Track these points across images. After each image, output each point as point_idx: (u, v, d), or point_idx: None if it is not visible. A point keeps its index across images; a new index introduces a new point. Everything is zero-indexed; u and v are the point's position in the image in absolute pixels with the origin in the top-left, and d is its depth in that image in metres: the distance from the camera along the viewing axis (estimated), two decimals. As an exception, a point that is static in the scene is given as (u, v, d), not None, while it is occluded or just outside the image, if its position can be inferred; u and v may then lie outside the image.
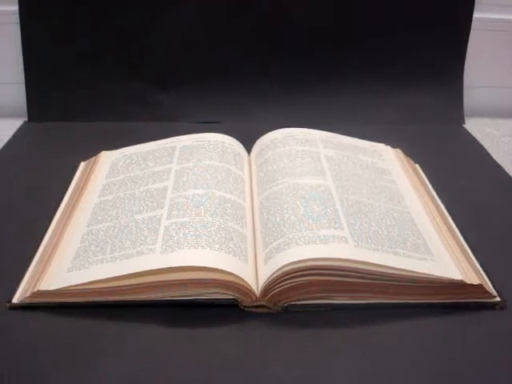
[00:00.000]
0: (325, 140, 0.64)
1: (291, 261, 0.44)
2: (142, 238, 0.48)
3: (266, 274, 0.45)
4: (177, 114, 0.79)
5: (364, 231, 0.48)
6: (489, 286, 0.47)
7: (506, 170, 0.68)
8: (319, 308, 0.46)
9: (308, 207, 0.50)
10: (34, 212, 0.57)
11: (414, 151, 0.67)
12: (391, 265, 0.45)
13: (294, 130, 0.65)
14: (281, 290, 0.45)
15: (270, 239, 0.48)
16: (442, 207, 0.57)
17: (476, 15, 0.79)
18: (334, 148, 0.62)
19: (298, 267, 0.44)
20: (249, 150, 0.65)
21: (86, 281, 0.45)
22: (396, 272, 0.45)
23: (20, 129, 0.76)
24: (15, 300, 0.46)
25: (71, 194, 0.59)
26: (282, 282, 0.44)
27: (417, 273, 0.45)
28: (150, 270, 0.44)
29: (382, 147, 0.67)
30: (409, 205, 0.55)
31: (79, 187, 0.59)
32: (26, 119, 0.78)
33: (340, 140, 0.65)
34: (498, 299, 0.46)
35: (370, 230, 0.48)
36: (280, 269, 0.44)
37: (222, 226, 0.49)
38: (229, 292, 0.45)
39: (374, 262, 0.44)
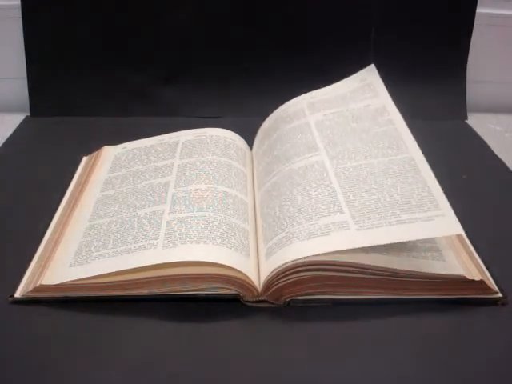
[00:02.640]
0: (311, 103, 0.62)
1: (293, 257, 0.44)
2: (144, 233, 0.48)
3: (267, 269, 0.45)
4: (177, 109, 0.79)
5: (365, 205, 0.47)
6: (490, 282, 0.47)
7: (509, 165, 0.67)
8: (321, 303, 0.46)
9: (305, 194, 0.50)
10: (35, 207, 0.57)
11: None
12: (394, 262, 0.45)
13: (280, 108, 0.64)
14: (282, 285, 0.45)
15: (271, 234, 0.48)
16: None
17: (479, 10, 0.78)
18: (322, 109, 0.61)
19: (300, 263, 0.44)
20: (251, 144, 0.65)
21: (88, 275, 0.45)
22: (398, 268, 0.45)
23: (22, 124, 0.76)
24: (17, 294, 0.46)
25: (73, 188, 0.59)
26: (283, 277, 0.44)
27: (419, 269, 0.45)
28: (152, 265, 0.44)
29: (370, 72, 0.64)
30: (410, 147, 0.52)
31: (81, 182, 0.59)
32: (28, 114, 0.78)
33: (327, 95, 0.63)
34: (500, 295, 0.46)
35: (370, 201, 0.47)
36: (282, 264, 0.44)
37: (224, 221, 0.49)
38: (231, 287, 0.45)
39: (375, 257, 0.44)
